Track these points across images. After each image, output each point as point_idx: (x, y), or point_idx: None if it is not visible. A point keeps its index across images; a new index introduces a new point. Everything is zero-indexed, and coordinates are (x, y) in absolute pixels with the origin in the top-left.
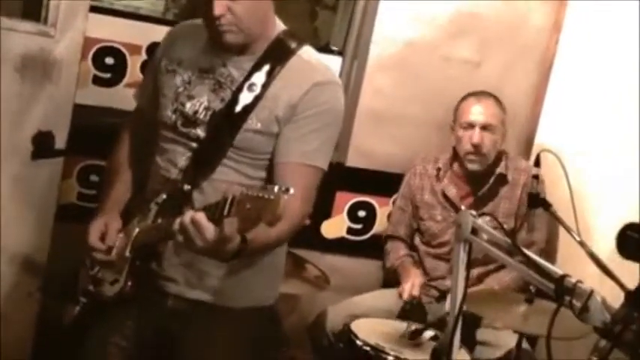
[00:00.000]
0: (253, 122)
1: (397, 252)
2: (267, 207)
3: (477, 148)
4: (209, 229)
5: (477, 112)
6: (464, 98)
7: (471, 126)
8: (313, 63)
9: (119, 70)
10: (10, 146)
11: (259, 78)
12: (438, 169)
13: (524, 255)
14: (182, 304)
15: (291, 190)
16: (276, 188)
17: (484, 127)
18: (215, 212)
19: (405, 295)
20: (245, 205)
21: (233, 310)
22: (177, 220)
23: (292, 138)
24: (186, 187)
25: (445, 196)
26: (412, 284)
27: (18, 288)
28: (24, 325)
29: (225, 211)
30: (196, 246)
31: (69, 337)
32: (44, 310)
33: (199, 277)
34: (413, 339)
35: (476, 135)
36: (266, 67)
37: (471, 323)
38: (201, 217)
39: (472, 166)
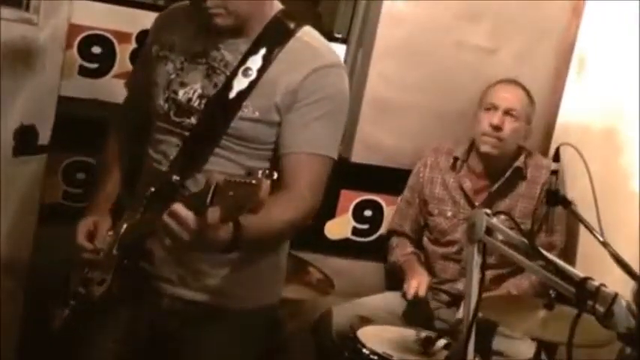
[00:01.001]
0: (250, 110)
1: (403, 248)
2: (248, 192)
3: (495, 129)
4: (189, 218)
5: (503, 95)
6: (494, 83)
7: (494, 107)
8: (314, 45)
9: (107, 60)
10: None
11: (255, 62)
12: (455, 159)
13: (543, 257)
14: (178, 305)
15: (275, 175)
16: (259, 173)
17: (507, 112)
18: (198, 202)
19: (410, 294)
20: (228, 192)
21: (232, 312)
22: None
23: (295, 127)
24: (175, 178)
25: (459, 188)
26: (418, 283)
27: (0, 290)
28: (6, 332)
29: (208, 200)
30: (182, 241)
31: (59, 342)
32: (32, 315)
33: (195, 276)
34: (425, 347)
35: (497, 116)
36: (262, 50)
37: (485, 330)
38: (178, 207)
39: (485, 148)
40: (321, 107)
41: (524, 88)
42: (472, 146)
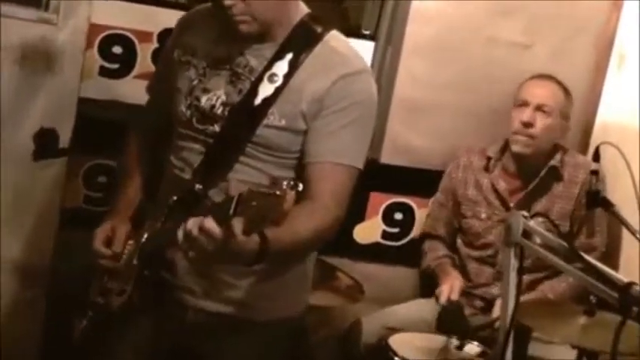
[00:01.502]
0: (276, 118)
1: (435, 252)
2: (272, 203)
3: (526, 126)
4: (215, 230)
5: (534, 90)
6: (527, 79)
7: (525, 103)
8: (341, 50)
9: (128, 60)
10: (9, 146)
11: (281, 68)
12: (488, 159)
13: (584, 261)
14: (201, 318)
15: (300, 186)
16: (284, 183)
17: (538, 108)
18: (221, 212)
19: (443, 298)
20: (251, 203)
21: (256, 324)
22: (180, 230)
23: (320, 135)
24: (198, 187)
25: (493, 189)
26: (451, 286)
27: (19, 299)
28: (27, 339)
29: (232, 211)
30: (206, 253)
31: (79, 353)
32: (51, 325)
33: (219, 287)
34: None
35: (527, 113)
36: (289, 56)
37: (521, 336)
38: (209, 222)
39: (516, 147)
40: (348, 115)
41: (558, 83)
42: (506, 145)
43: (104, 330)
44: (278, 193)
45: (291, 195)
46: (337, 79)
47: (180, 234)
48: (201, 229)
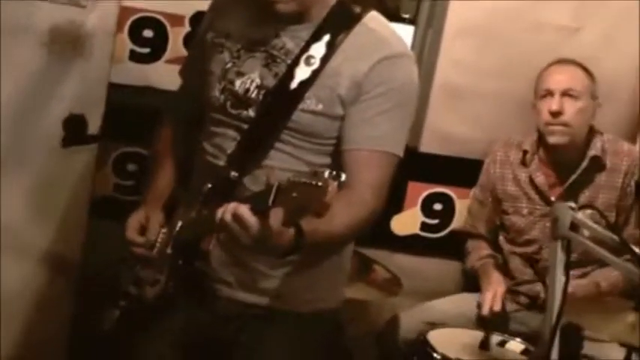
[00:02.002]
0: (313, 102)
1: (478, 252)
2: (314, 195)
3: (555, 116)
4: (253, 222)
5: (556, 77)
6: (546, 67)
7: (549, 93)
8: (381, 32)
9: (159, 44)
10: (37, 133)
11: (318, 50)
12: (524, 152)
13: (634, 253)
14: (235, 309)
15: (343, 177)
16: (326, 173)
17: (565, 93)
18: (259, 202)
19: (485, 310)
20: (291, 194)
21: (291, 315)
22: (218, 215)
23: (359, 121)
24: (233, 174)
25: (532, 183)
26: (494, 295)
27: (49, 291)
28: (56, 332)
29: (270, 201)
30: (241, 243)
31: (109, 345)
32: (81, 316)
33: (254, 278)
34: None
35: (555, 101)
36: (326, 37)
37: (570, 335)
38: (244, 211)
39: (552, 139)
40: (387, 101)
41: (577, 64)
42: (541, 137)
43: (136, 321)
44: (320, 184)
45: (333, 186)
46: (376, 63)
47: (217, 217)
48: (235, 215)
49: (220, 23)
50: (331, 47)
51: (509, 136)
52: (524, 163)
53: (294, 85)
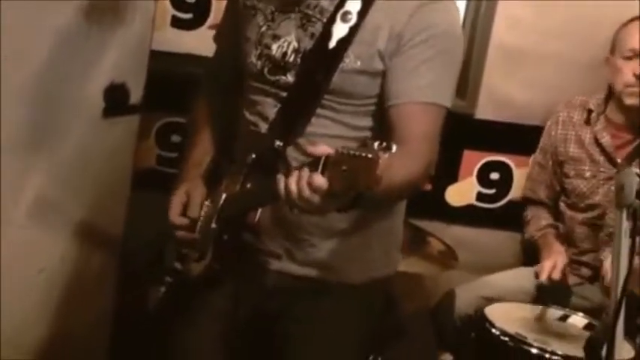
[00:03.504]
0: (351, 60)
1: (538, 221)
2: (364, 168)
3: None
4: (322, 184)
5: None
6: (627, 22)
7: (635, 54)
8: None
9: (202, 10)
10: (77, 102)
11: (354, 4)
12: (589, 112)
13: None
14: (285, 282)
15: (394, 148)
16: (375, 145)
17: None
18: None
19: (543, 276)
20: (341, 166)
21: (343, 286)
22: (281, 187)
23: (401, 73)
24: (278, 143)
25: (597, 144)
26: (554, 264)
27: (92, 267)
28: (100, 309)
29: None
30: (309, 209)
31: (154, 322)
32: (124, 292)
33: (303, 249)
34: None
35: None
36: None
37: (629, 305)
38: (319, 179)
39: (630, 101)
40: (430, 48)
41: None
42: (610, 96)
43: (183, 298)
44: (370, 156)
45: (384, 158)
46: (415, 10)
47: (281, 190)
48: (311, 186)
49: None
50: (367, 1)
51: (572, 96)
52: (588, 122)
53: (332, 44)
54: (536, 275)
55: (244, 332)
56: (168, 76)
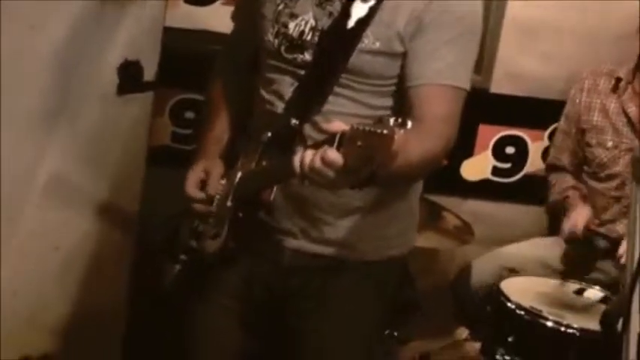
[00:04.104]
0: (370, 41)
1: (562, 184)
2: (380, 143)
3: None
4: (338, 160)
5: None
6: None
7: None
8: None
9: None
10: (91, 79)
11: None
12: (618, 80)
13: None
14: (301, 260)
15: (409, 124)
16: (391, 120)
17: None
18: None
19: (565, 231)
20: (356, 142)
21: (358, 264)
22: (296, 162)
23: (421, 55)
24: (294, 121)
25: (624, 113)
26: (576, 218)
27: (108, 245)
28: (117, 287)
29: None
30: (324, 184)
31: (170, 300)
32: (140, 269)
33: (319, 227)
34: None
35: None
36: None
37: None
38: (333, 153)
39: None
40: (451, 30)
41: None
42: (639, 66)
43: (198, 275)
44: (385, 132)
45: (399, 134)
46: None
47: (296, 165)
48: (324, 160)
49: None
50: None
51: (598, 65)
52: (615, 91)
53: (351, 24)
54: (561, 233)
55: (259, 310)
56: (182, 52)
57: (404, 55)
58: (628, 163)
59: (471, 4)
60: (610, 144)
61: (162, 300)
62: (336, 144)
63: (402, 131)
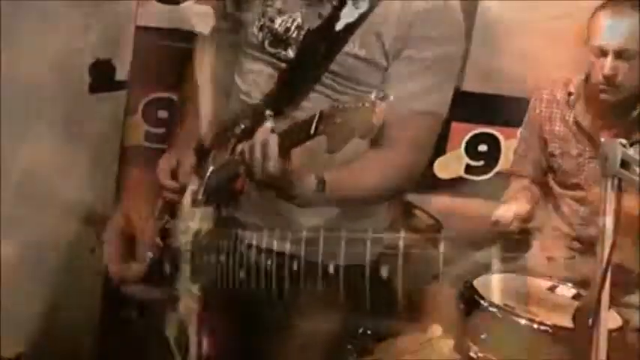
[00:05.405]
0: (355, 46)
1: (516, 185)
2: (359, 116)
3: (608, 80)
4: (274, 154)
5: (610, 32)
6: (597, 9)
7: (602, 53)
8: None
9: None
10: (62, 79)
11: None
12: (569, 94)
13: None
14: (266, 258)
15: (391, 97)
16: (373, 95)
17: (619, 55)
18: (300, 132)
19: (495, 216)
20: (334, 119)
21: (326, 267)
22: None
23: (399, 75)
24: (268, 113)
25: (578, 126)
26: (505, 211)
27: (79, 244)
28: (88, 286)
29: (312, 130)
30: (257, 174)
31: (140, 297)
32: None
33: (286, 226)
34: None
35: (607, 65)
36: None
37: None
38: (272, 138)
39: (604, 96)
40: (434, 53)
41: (632, 7)
42: (589, 78)
43: (167, 270)
44: (366, 104)
45: (380, 107)
46: (421, 13)
47: (245, 146)
48: (263, 143)
49: None
50: None
51: (558, 74)
52: (569, 103)
53: (339, 27)
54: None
55: (230, 304)
56: (155, 51)
57: (385, 70)
58: (593, 171)
59: (455, 27)
60: (575, 152)
61: (134, 297)
62: (314, 123)
63: (383, 104)
